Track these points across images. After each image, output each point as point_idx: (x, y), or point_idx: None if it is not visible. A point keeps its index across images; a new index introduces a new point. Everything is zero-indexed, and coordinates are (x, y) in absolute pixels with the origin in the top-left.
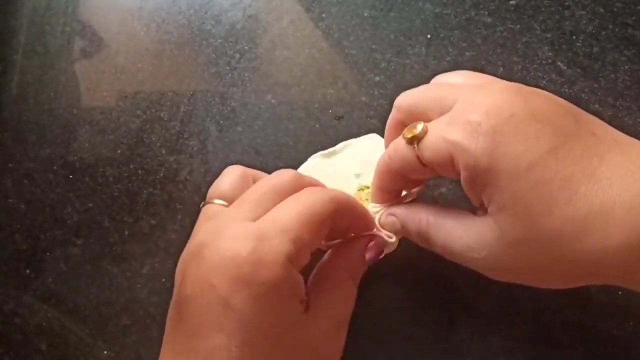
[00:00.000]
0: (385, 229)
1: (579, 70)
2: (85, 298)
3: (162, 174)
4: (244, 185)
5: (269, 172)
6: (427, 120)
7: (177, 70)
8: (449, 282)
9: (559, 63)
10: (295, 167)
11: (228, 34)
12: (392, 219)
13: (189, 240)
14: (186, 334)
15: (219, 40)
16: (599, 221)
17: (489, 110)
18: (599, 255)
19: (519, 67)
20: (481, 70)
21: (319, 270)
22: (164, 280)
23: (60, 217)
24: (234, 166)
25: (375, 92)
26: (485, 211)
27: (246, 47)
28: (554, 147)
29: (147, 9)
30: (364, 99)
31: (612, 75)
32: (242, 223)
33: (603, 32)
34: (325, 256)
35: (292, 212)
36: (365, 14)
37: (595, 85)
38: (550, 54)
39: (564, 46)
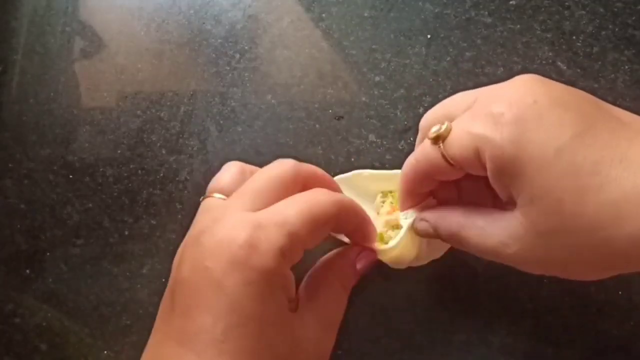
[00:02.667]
0: (420, 235)
1: (579, 70)
2: (85, 298)
3: (162, 174)
4: (243, 180)
5: None
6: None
7: (177, 70)
8: (449, 282)
9: (559, 63)
10: None
11: (228, 34)
12: (424, 224)
13: (189, 231)
14: (176, 315)
15: (219, 40)
16: (634, 205)
17: (511, 100)
18: (635, 240)
19: (519, 67)
20: (481, 70)
21: (310, 276)
22: (164, 280)
23: (60, 217)
24: (233, 162)
25: (375, 92)
26: (514, 205)
27: (246, 47)
28: (579, 132)
29: (147, 9)
30: (364, 99)
31: (612, 75)
32: (241, 212)
33: (603, 32)
34: (318, 263)
35: (294, 208)
36: (365, 14)
37: (595, 85)
38: (550, 54)
39: (564, 46)
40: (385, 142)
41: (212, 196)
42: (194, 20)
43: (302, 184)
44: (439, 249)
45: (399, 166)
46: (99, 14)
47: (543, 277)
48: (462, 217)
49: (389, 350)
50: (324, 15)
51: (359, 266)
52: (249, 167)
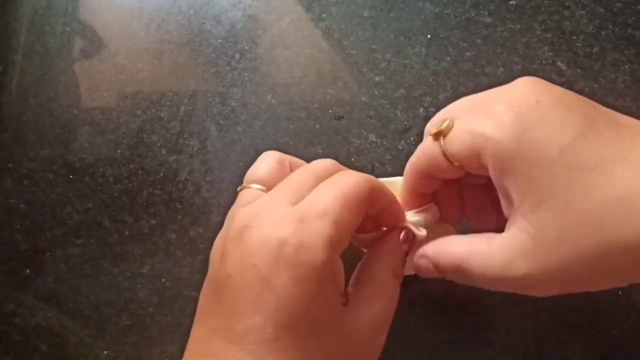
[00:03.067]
0: (422, 275)
1: (579, 70)
2: (85, 298)
3: (162, 174)
4: (282, 170)
5: None
6: None
7: (177, 70)
8: (449, 283)
9: (559, 63)
10: None
11: (228, 34)
12: (424, 261)
13: (226, 223)
14: (223, 313)
15: (219, 40)
16: None
17: (513, 100)
18: None
19: (519, 67)
20: (481, 70)
21: (360, 269)
22: (164, 280)
23: (60, 217)
24: (271, 152)
25: (375, 92)
26: (514, 211)
27: (246, 47)
28: (583, 131)
29: (147, 9)
30: (364, 99)
31: (612, 75)
32: (283, 207)
33: (603, 32)
34: (365, 255)
35: (329, 194)
36: (365, 14)
37: (595, 85)
38: (550, 54)
39: (564, 46)
40: (385, 142)
41: (250, 187)
42: (194, 20)
43: None
44: None
45: (399, 166)
46: (99, 14)
47: None
48: (463, 245)
49: (389, 350)
50: (324, 15)
51: (404, 247)
52: (288, 157)
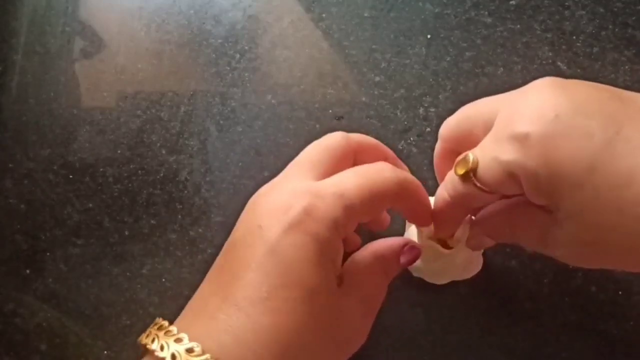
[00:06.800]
0: (475, 249)
1: (579, 70)
2: (85, 298)
3: (162, 174)
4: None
5: (269, 173)
6: (475, 140)
7: (177, 70)
8: (449, 282)
9: (559, 63)
10: None
11: (228, 34)
12: (477, 239)
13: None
14: (224, 274)
15: (219, 40)
16: None
17: (532, 117)
18: None
19: (519, 67)
20: (481, 70)
21: (354, 258)
22: (164, 280)
23: (60, 217)
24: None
25: (375, 92)
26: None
27: (246, 47)
28: (608, 140)
29: (147, 9)
30: (364, 99)
31: (612, 75)
32: (301, 181)
33: (603, 32)
34: (363, 248)
35: (354, 181)
36: (365, 14)
37: None
38: (550, 54)
39: (564, 46)
40: (385, 142)
41: None
42: (194, 20)
43: (353, 153)
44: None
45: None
46: (99, 14)
47: (543, 277)
48: (505, 216)
49: (389, 350)
50: (324, 15)
51: (402, 260)
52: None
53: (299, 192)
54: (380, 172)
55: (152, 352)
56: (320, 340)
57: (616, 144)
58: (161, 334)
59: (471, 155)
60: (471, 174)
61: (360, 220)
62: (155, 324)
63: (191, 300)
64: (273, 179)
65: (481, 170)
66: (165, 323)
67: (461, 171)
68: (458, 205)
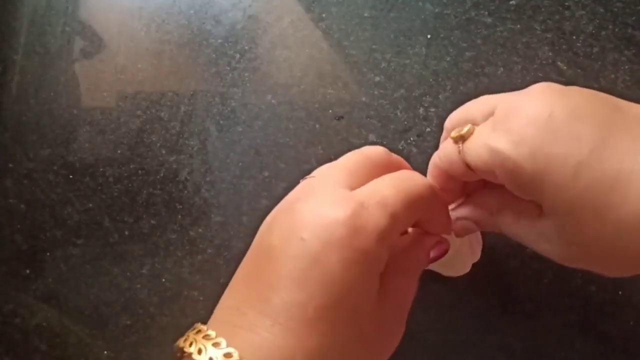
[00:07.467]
0: (459, 235)
1: (579, 70)
2: (85, 298)
3: (162, 174)
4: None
5: (269, 173)
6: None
7: (177, 70)
8: (449, 282)
9: (559, 63)
10: (296, 167)
11: (228, 34)
12: (462, 222)
13: (281, 202)
14: (261, 283)
15: (219, 40)
16: None
17: (528, 114)
18: None
19: (519, 67)
20: (481, 70)
21: (390, 261)
22: (164, 280)
23: (60, 217)
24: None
25: (375, 92)
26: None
27: (246, 47)
28: (596, 145)
29: (147, 9)
30: (364, 99)
31: (612, 75)
32: (339, 189)
33: (603, 32)
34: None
35: (392, 188)
36: (365, 14)
37: (595, 86)
38: (550, 54)
39: (564, 46)
40: (385, 142)
41: (313, 177)
42: (194, 20)
43: (388, 171)
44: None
45: None
46: (99, 14)
47: (543, 277)
48: (498, 197)
49: None
50: (324, 15)
51: (432, 254)
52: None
53: (342, 203)
54: (413, 177)
55: (189, 355)
56: (363, 351)
57: (603, 150)
58: (199, 337)
59: (470, 125)
60: (460, 142)
61: (403, 228)
62: (194, 329)
63: (218, 308)
64: (303, 178)
65: (469, 145)
66: (204, 327)
67: (455, 134)
68: (444, 170)
